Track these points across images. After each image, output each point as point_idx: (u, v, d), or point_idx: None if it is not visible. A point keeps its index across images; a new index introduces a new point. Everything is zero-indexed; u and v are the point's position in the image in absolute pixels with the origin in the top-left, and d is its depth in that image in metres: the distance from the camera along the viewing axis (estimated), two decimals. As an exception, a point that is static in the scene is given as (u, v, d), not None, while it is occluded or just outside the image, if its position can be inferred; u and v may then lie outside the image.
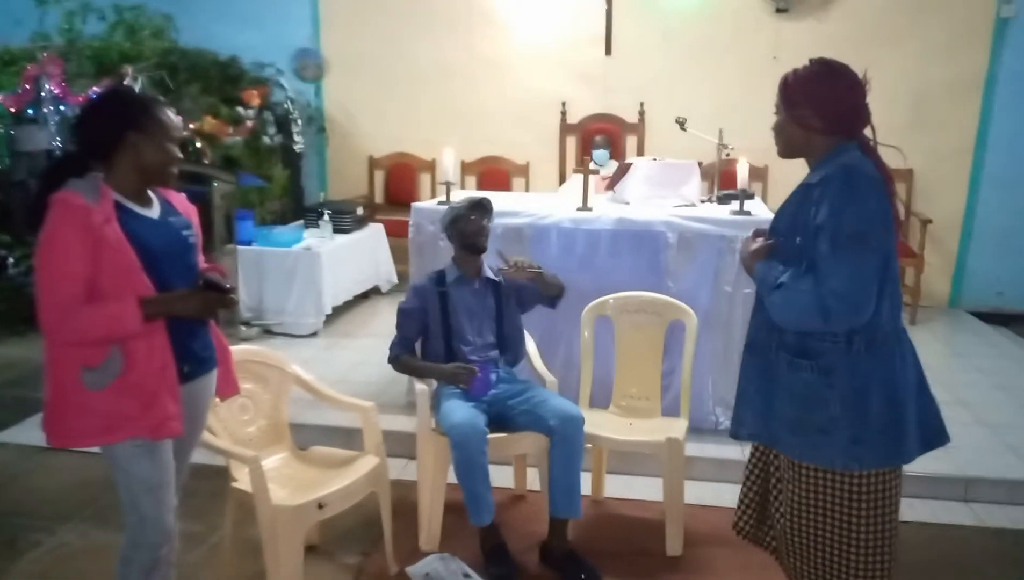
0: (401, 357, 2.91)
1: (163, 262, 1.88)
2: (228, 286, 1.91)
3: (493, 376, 2.83)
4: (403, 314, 2.93)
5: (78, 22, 5.25)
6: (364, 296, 5.60)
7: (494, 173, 6.15)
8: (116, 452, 1.89)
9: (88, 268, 1.76)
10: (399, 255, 5.77)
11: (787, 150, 1.88)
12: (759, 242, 1.88)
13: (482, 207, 2.92)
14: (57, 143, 4.88)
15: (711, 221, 3.45)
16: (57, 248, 1.75)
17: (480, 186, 6.00)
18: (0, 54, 5.26)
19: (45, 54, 4.87)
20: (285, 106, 5.77)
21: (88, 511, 3.01)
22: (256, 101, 5.39)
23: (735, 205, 3.58)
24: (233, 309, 2.00)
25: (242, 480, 2.39)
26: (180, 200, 2.06)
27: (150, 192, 1.95)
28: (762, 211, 3.60)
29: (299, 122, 5.82)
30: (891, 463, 1.79)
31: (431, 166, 6.25)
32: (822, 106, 1.77)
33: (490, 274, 2.97)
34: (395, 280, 5.80)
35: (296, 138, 5.74)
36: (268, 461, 2.45)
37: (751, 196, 3.68)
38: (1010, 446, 3.49)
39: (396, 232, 5.76)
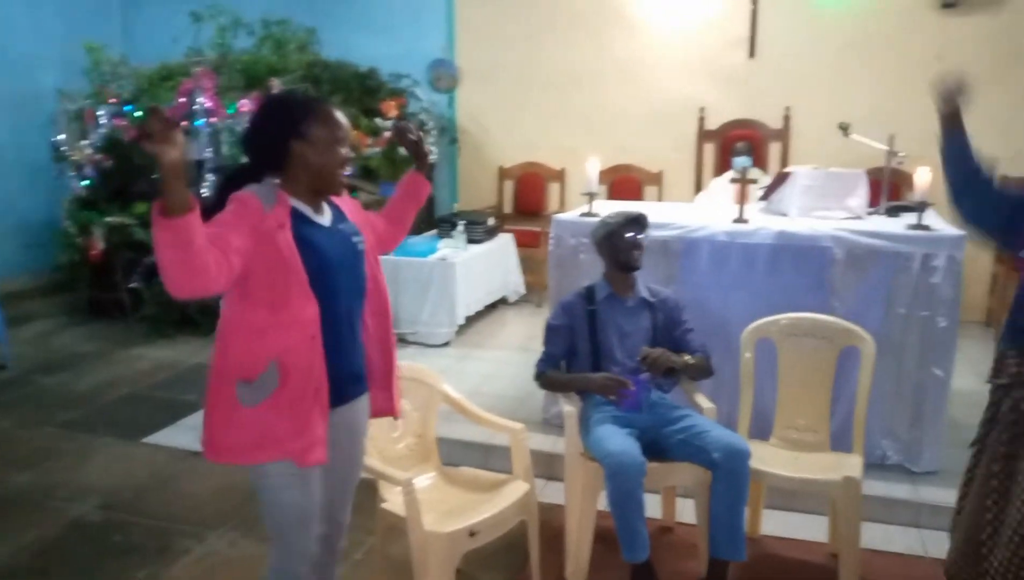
0: (546, 373, 2.79)
1: (335, 270, 1.82)
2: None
3: (649, 394, 2.65)
4: (551, 330, 2.81)
5: (229, 37, 5.46)
6: (492, 306, 5.53)
7: (625, 181, 5.96)
8: (266, 480, 1.82)
9: (235, 243, 1.64)
10: (526, 266, 5.71)
11: None
12: None
13: (638, 222, 2.76)
14: (208, 153, 5.08)
15: (885, 236, 3.13)
16: (216, 219, 1.68)
17: (612, 195, 5.82)
18: (159, 70, 5.54)
19: (199, 68, 5.09)
20: (420, 117, 5.80)
21: (236, 519, 3.04)
22: (394, 112, 5.44)
23: (910, 218, 3.24)
24: None
25: (391, 501, 2.32)
26: (351, 206, 1.98)
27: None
28: (942, 225, 3.25)
29: (433, 133, 5.83)
30: None
31: (560, 176, 6.14)
32: None
33: (644, 294, 2.80)
34: (523, 290, 5.72)
35: (430, 148, 5.75)
36: (418, 482, 2.36)
37: (928, 207, 3.32)
38: None
39: (524, 242, 5.70)
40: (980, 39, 5.10)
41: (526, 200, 6.29)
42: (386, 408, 2.03)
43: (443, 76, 6.05)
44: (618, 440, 2.45)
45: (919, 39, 5.23)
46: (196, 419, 3.35)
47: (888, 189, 3.61)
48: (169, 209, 1.46)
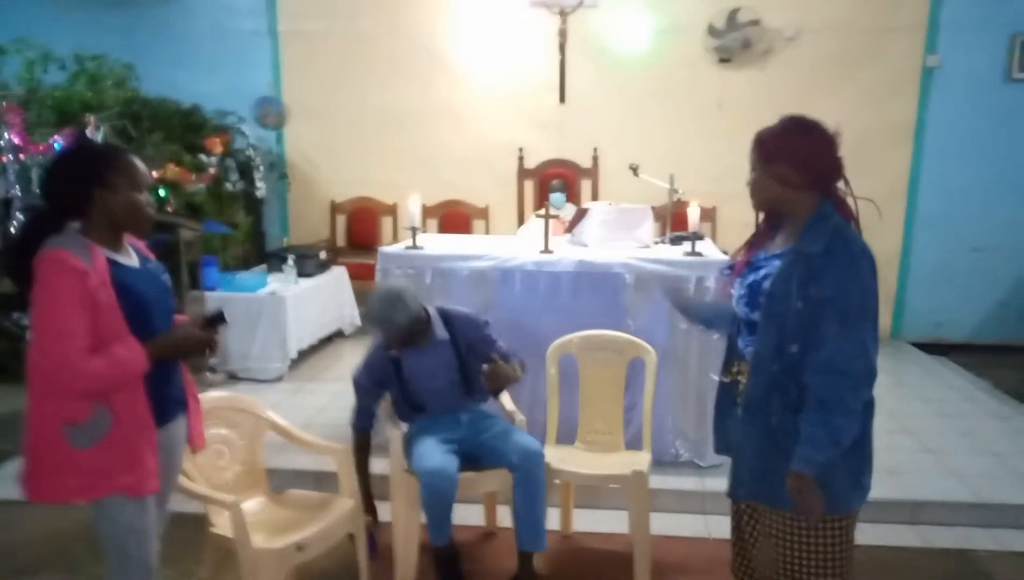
0: (359, 441, 2.91)
1: (151, 307, 1.94)
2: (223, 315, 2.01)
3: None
4: (358, 388, 2.93)
5: (38, 71, 5.26)
6: (328, 339, 5.64)
7: (455, 216, 6.30)
8: (103, 508, 1.91)
9: (89, 323, 1.79)
10: (362, 298, 5.85)
11: (764, 205, 1.89)
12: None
13: (388, 335, 2.79)
14: (15, 192, 4.86)
15: (666, 262, 3.63)
16: (60, 305, 1.77)
17: (443, 228, 6.14)
18: (-42, 103, 5.23)
19: (4, 103, 4.88)
20: (247, 153, 5.84)
21: (60, 563, 2.99)
22: (219, 148, 5.45)
23: (687, 246, 3.76)
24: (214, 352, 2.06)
25: (220, 525, 2.43)
26: (142, 247, 2.08)
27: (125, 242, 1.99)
28: (713, 252, 3.79)
29: (261, 168, 5.89)
30: (866, 495, 1.86)
31: (392, 210, 6.37)
32: (800, 161, 1.80)
33: (439, 330, 2.88)
34: (359, 323, 5.86)
35: (258, 184, 5.81)
36: (246, 505, 2.49)
37: (701, 237, 3.87)
38: (953, 470, 3.70)
39: (359, 275, 5.85)
40: (751, 89, 5.90)
41: (359, 233, 6.46)
42: (194, 436, 2.17)
43: (270, 113, 6.13)
44: (436, 457, 2.70)
45: (703, 89, 5.98)
46: (11, 468, 3.24)
47: (671, 221, 4.14)
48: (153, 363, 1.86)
